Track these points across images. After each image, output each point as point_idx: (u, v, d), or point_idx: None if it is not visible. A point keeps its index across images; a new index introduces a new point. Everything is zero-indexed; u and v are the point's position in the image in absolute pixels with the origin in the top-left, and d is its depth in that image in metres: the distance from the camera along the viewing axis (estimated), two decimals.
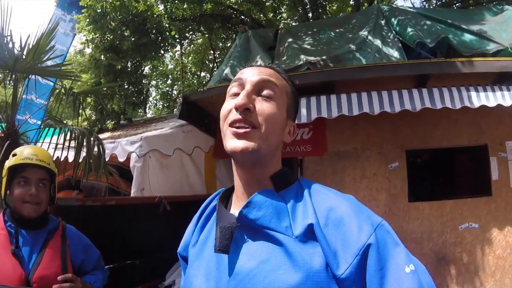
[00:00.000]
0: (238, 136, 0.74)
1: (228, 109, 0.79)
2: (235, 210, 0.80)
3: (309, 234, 0.68)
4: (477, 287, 3.78)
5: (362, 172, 4.14)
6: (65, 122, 4.10)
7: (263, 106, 0.77)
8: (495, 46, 4.13)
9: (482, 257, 3.84)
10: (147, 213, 3.89)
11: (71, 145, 3.32)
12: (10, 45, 2.84)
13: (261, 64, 0.86)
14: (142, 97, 8.96)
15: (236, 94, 0.80)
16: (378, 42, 4.54)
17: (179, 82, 15.54)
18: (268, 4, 11.27)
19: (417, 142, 4.15)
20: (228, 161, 5.34)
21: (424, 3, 11.26)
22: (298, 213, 0.71)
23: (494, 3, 8.58)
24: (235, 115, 0.76)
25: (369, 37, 4.64)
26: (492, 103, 3.44)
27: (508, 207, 3.90)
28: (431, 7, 10.34)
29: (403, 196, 4.07)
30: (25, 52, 2.92)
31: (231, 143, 0.75)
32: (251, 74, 0.81)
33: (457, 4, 9.83)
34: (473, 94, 3.47)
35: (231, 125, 0.76)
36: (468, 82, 3.59)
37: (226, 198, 0.86)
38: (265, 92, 0.78)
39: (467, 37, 4.36)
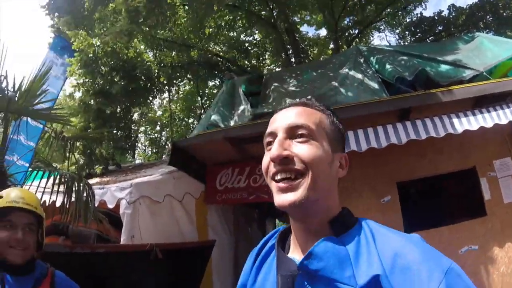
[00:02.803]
0: (282, 190, 0.71)
1: (267, 163, 0.75)
2: (294, 255, 0.76)
3: (374, 285, 0.63)
4: None
5: (355, 209, 4.02)
6: (54, 165, 4.04)
7: (300, 149, 0.72)
8: (470, 72, 4.28)
9: (487, 277, 3.74)
10: (138, 261, 3.73)
11: (59, 190, 3.24)
12: (4, 84, 2.88)
13: (291, 101, 0.83)
14: (130, 143, 8.94)
15: (271, 145, 0.76)
16: (359, 76, 4.71)
17: (168, 129, 15.68)
18: (252, 51, 11.85)
19: (406, 173, 4.15)
20: (219, 207, 5.30)
21: (400, 40, 12.01)
22: (362, 260, 0.66)
23: (465, 31, 9.14)
24: (273, 168, 0.73)
25: (350, 73, 4.82)
26: (474, 126, 3.55)
27: (504, 224, 3.87)
28: (406, 43, 11.00)
29: (399, 228, 3.92)
30: (18, 94, 2.95)
31: (277, 198, 0.72)
32: (281, 120, 0.77)
33: (430, 38, 10.48)
34: (455, 120, 3.57)
35: (273, 178, 0.73)
36: (449, 110, 3.71)
37: (282, 240, 0.82)
38: (299, 133, 0.73)
39: (443, 67, 4.53)
